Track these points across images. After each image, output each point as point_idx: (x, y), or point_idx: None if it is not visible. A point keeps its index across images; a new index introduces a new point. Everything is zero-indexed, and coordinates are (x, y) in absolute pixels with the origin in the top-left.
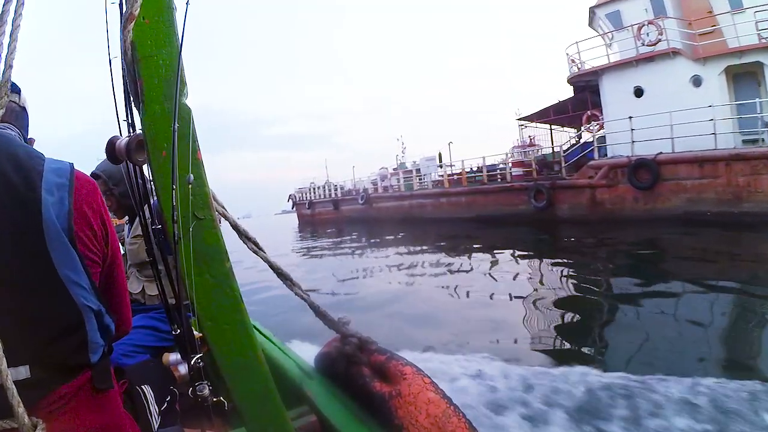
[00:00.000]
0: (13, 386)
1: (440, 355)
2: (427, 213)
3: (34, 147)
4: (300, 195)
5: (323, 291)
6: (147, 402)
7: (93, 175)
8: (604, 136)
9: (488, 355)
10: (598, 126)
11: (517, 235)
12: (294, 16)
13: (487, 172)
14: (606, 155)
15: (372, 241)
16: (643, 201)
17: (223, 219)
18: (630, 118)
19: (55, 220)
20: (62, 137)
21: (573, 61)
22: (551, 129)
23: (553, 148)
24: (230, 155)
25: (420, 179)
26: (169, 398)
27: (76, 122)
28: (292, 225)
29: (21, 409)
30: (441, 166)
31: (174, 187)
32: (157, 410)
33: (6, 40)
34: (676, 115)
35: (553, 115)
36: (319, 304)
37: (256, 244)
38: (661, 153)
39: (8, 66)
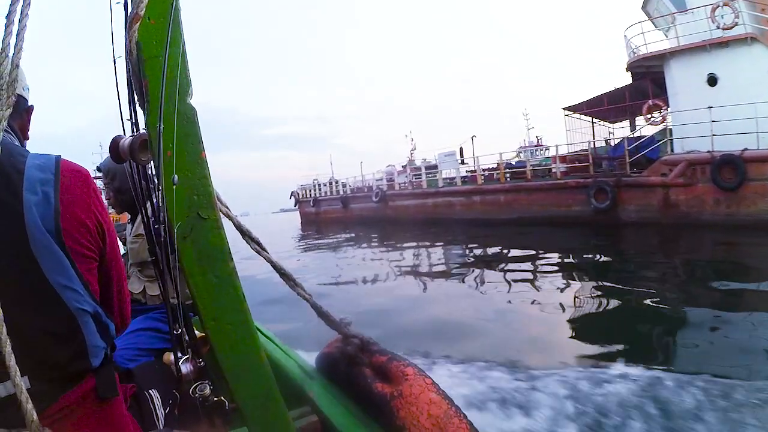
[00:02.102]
0: (26, 394)
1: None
2: (456, 213)
3: (30, 118)
4: (303, 192)
5: (329, 295)
6: (154, 406)
7: (97, 169)
8: (667, 129)
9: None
10: (661, 117)
11: (572, 240)
12: (296, 18)
13: (508, 168)
14: (672, 151)
15: (389, 243)
16: (725, 204)
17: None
18: (710, 108)
19: (40, 224)
20: (61, 133)
21: (631, 45)
22: (593, 122)
23: (594, 143)
24: (228, 154)
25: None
26: (171, 401)
27: (78, 119)
28: (292, 224)
29: (33, 416)
30: (463, 162)
31: (160, 188)
32: (163, 414)
33: (13, 39)
34: (759, 107)
35: (608, 104)
36: (322, 304)
37: (258, 244)
38: (746, 149)
39: (15, 66)
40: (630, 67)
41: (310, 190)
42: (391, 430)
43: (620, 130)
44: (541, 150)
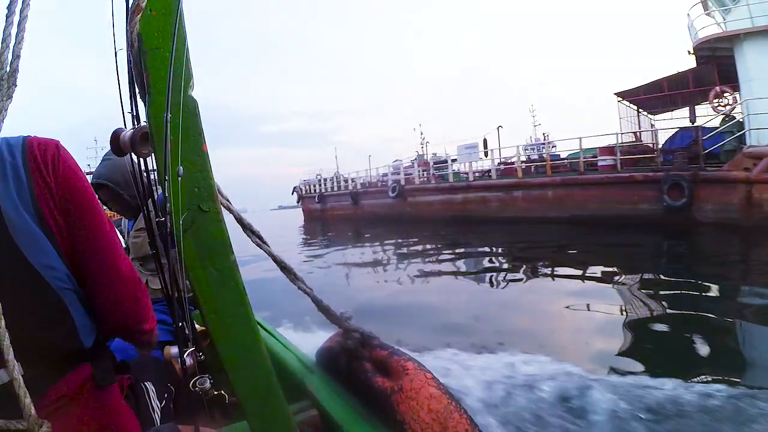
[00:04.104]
0: (21, 379)
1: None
2: (492, 211)
3: None
4: (306, 188)
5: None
6: (149, 398)
7: (97, 184)
8: (742, 118)
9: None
10: (730, 106)
11: (640, 245)
12: (295, 16)
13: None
14: (745, 143)
15: (408, 245)
16: None
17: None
18: None
19: (20, 210)
20: (60, 128)
21: (695, 26)
22: (638, 112)
23: (639, 134)
24: (224, 151)
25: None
26: (166, 395)
27: (75, 116)
28: (292, 222)
29: (30, 407)
30: (487, 154)
31: (167, 179)
32: (159, 406)
33: (14, 30)
34: None
35: (668, 89)
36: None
37: (260, 237)
38: None
39: (16, 56)
40: (696, 50)
41: (314, 186)
42: (391, 425)
43: (660, 122)
44: (549, 147)
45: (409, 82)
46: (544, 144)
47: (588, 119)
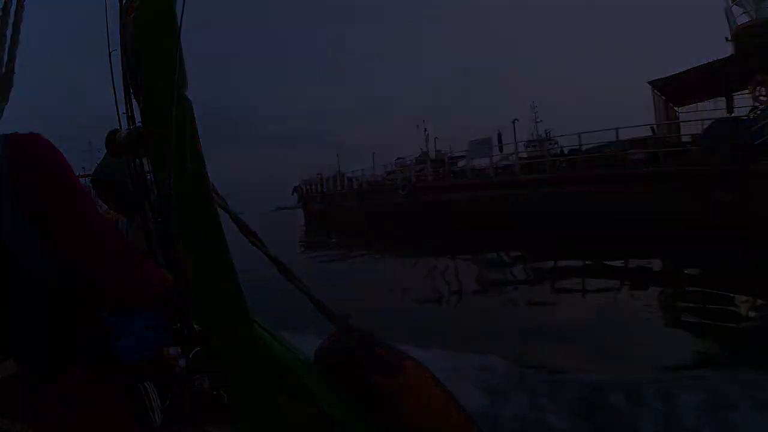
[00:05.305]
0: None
1: None
2: (517, 210)
3: None
4: (307, 187)
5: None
6: (150, 399)
7: (97, 181)
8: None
9: None
10: None
11: (689, 250)
12: (292, 14)
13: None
14: None
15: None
16: None
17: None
18: None
19: (12, 214)
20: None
21: (734, 12)
22: (666, 102)
23: (667, 125)
24: (220, 152)
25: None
26: (169, 395)
27: (72, 116)
28: (292, 224)
29: (19, 406)
30: (501, 149)
31: (170, 177)
32: (160, 407)
33: (9, 32)
34: None
35: (706, 78)
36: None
37: (255, 236)
38: None
39: (12, 56)
40: (734, 37)
41: (315, 185)
42: (390, 424)
43: (683, 114)
44: (552, 144)
45: (408, 82)
46: (548, 140)
47: (588, 117)
